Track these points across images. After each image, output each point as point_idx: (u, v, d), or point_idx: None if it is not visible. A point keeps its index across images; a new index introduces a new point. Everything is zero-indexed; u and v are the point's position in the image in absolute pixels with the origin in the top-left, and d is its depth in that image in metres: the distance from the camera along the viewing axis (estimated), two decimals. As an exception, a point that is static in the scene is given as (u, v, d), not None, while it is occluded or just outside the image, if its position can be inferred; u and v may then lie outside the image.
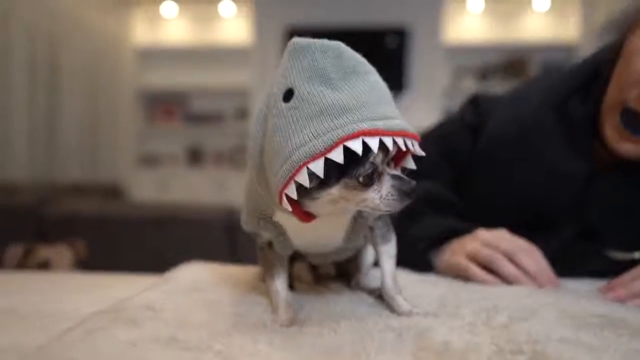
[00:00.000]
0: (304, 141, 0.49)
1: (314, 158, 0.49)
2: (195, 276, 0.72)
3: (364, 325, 0.54)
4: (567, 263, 0.81)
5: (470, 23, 5.76)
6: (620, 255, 0.79)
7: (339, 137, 0.48)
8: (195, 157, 6.05)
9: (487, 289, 0.67)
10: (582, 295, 0.68)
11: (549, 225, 0.87)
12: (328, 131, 0.49)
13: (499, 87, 4.64)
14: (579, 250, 0.84)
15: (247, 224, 0.62)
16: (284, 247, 0.61)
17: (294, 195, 0.50)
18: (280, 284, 0.62)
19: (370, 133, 0.48)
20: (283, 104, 0.52)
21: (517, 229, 0.86)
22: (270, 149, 0.52)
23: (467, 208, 0.94)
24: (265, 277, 0.63)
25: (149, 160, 6.11)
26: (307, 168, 0.49)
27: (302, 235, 0.60)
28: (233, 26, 6.10)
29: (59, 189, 3.97)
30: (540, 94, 0.91)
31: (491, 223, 0.88)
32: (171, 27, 6.23)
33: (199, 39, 6.11)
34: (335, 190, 0.52)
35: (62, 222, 2.60)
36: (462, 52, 5.52)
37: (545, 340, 0.47)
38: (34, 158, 4.52)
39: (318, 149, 0.48)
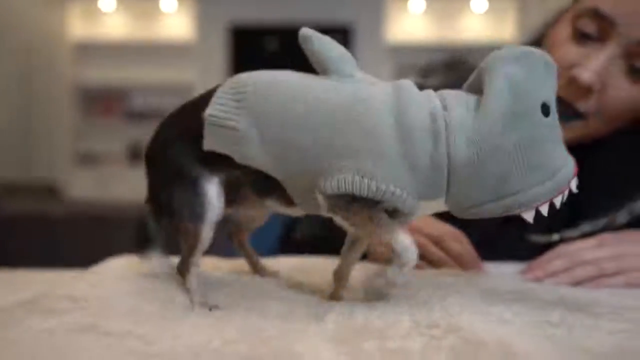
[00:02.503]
0: (561, 165, 0.51)
1: (564, 188, 0.51)
2: (121, 268, 0.70)
3: (290, 307, 0.55)
4: (490, 249, 0.84)
5: (412, 23, 5.88)
6: (540, 239, 0.82)
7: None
8: (136, 155, 5.90)
9: (412, 272, 0.69)
10: (501, 276, 0.71)
11: None
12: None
13: (440, 85, 4.76)
14: (502, 236, 0.87)
15: (378, 190, 0.50)
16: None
17: (545, 212, 0.52)
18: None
19: None
20: (544, 118, 0.50)
21: (440, 216, 0.88)
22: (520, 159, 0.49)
23: None
24: (382, 229, 0.52)
25: (87, 158, 5.92)
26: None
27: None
28: (175, 22, 5.99)
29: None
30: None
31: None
32: (110, 21, 6.06)
33: (139, 34, 5.97)
34: None
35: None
36: (404, 50, 5.63)
37: (459, 314, 0.49)
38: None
39: (567, 178, 0.51)
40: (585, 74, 0.76)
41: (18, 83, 5.06)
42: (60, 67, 5.75)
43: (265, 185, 0.56)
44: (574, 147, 0.85)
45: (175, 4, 5.94)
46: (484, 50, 0.57)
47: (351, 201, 0.51)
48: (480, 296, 0.57)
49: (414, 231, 0.79)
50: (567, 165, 0.52)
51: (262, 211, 0.65)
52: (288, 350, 0.43)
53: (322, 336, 0.46)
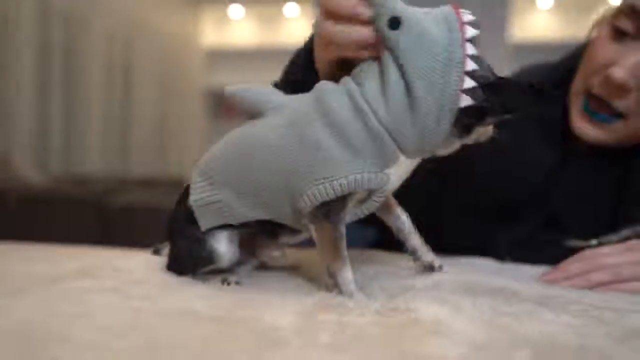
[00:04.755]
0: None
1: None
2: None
3: (291, 290, 0.62)
4: (529, 252, 0.84)
5: (539, 19, 5.61)
6: (579, 244, 0.81)
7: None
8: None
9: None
10: (509, 276, 0.71)
11: (514, 215, 0.90)
12: None
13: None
14: (541, 240, 0.87)
15: (342, 186, 0.55)
16: (374, 205, 0.61)
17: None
18: (350, 271, 0.59)
19: None
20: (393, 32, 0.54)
21: (481, 219, 0.89)
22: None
23: (434, 197, 0.98)
24: (333, 262, 0.59)
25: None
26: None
27: (393, 183, 0.59)
28: (297, 26, 6.25)
29: (129, 182, 4.24)
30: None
31: (456, 213, 0.92)
32: (238, 28, 6.47)
33: (265, 40, 6.30)
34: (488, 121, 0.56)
35: (123, 212, 2.80)
36: (530, 49, 5.38)
37: (422, 303, 0.53)
38: (107, 152, 4.85)
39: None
40: (618, 73, 0.74)
41: (155, 87, 5.58)
42: (193, 72, 6.25)
43: (270, 227, 0.64)
44: (618, 150, 0.83)
45: (298, 9, 6.20)
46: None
47: (326, 213, 0.57)
48: (458, 289, 0.59)
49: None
50: (452, 33, 0.53)
51: (282, 249, 0.72)
52: (256, 316, 0.49)
53: (292, 310, 0.52)
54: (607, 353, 0.41)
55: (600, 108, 0.80)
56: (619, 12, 0.77)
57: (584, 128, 0.83)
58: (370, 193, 0.58)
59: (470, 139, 0.58)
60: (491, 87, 0.54)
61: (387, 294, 0.60)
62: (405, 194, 0.89)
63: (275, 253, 0.71)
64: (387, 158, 0.56)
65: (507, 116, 0.56)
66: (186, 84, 6.10)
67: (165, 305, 0.52)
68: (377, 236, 1.00)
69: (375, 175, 0.55)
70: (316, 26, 0.61)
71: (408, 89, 0.53)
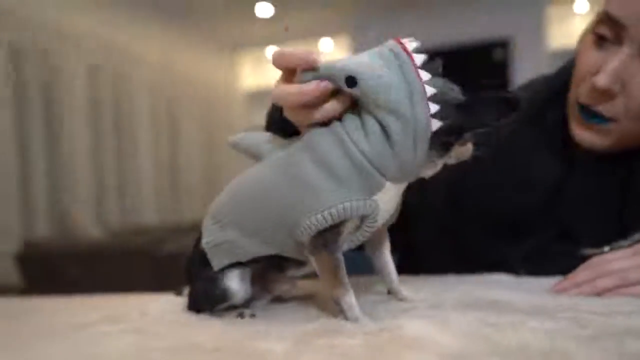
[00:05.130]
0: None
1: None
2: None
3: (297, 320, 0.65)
4: (543, 265, 0.84)
5: (577, 24, 5.52)
6: (591, 252, 0.81)
7: None
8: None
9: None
10: (519, 289, 0.72)
11: (525, 228, 0.90)
12: None
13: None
14: (555, 251, 0.87)
15: (332, 215, 0.58)
16: (367, 232, 0.63)
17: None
18: (353, 296, 0.61)
19: None
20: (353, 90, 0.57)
21: (490, 231, 0.90)
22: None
23: (444, 213, 0.99)
24: (335, 290, 0.62)
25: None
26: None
27: (383, 211, 0.62)
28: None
29: (183, 229, 4.39)
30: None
31: (467, 229, 0.94)
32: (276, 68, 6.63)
33: (302, 77, 6.43)
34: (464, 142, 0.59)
35: (173, 260, 2.90)
36: (570, 54, 5.28)
37: (411, 321, 0.55)
38: (160, 201, 5.04)
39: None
40: (601, 79, 0.75)
41: (201, 133, 5.79)
42: (236, 115, 6.45)
43: (277, 261, 0.69)
44: (624, 155, 0.83)
45: (332, 43, 6.33)
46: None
47: (323, 243, 0.61)
48: (451, 304, 0.61)
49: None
50: (403, 67, 0.56)
51: (292, 282, 0.76)
52: (254, 345, 0.53)
53: (291, 336, 0.55)
54: (572, 354, 0.42)
55: (591, 116, 0.81)
56: (599, 20, 0.79)
57: (582, 134, 0.83)
58: (362, 221, 0.61)
59: (451, 158, 0.61)
60: (460, 105, 0.57)
61: (391, 316, 0.63)
62: (418, 217, 0.91)
63: (286, 286, 0.75)
64: (372, 186, 0.59)
65: (481, 131, 0.58)
66: (230, 127, 6.29)
67: (173, 341, 0.57)
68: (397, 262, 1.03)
69: (364, 202, 0.59)
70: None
71: (383, 127, 0.57)
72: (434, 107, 0.56)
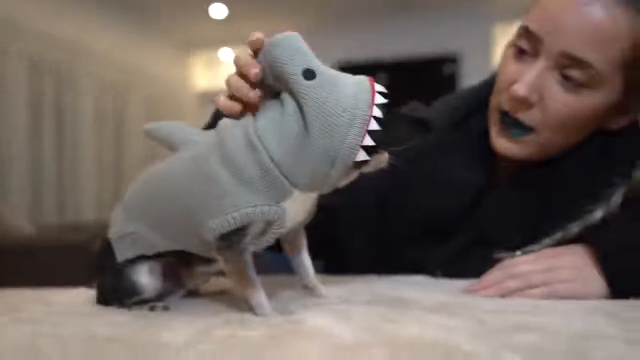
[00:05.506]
0: (356, 95, 0.56)
1: (369, 115, 0.55)
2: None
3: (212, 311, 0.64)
4: (460, 267, 0.86)
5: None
6: (504, 256, 0.83)
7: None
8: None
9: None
10: (432, 289, 0.74)
11: (445, 234, 0.92)
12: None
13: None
14: (472, 255, 0.89)
15: (235, 219, 0.57)
16: (273, 236, 0.62)
17: (369, 142, 0.55)
18: (263, 294, 0.61)
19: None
20: (312, 82, 0.56)
21: (413, 236, 0.92)
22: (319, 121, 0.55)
23: (371, 219, 1.00)
24: (244, 290, 0.62)
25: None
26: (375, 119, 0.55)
27: (292, 217, 0.62)
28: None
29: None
30: (443, 114, 0.97)
31: (388, 232, 0.95)
32: (228, 70, 6.58)
33: (255, 81, 6.42)
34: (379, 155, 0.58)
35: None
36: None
37: (316, 314, 0.55)
38: (101, 199, 4.90)
39: (366, 105, 0.55)
40: (520, 89, 0.78)
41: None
42: (186, 115, 6.35)
43: (185, 256, 0.67)
44: (536, 164, 0.86)
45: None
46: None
47: (228, 246, 0.60)
48: (358, 300, 0.62)
49: None
50: (361, 94, 0.56)
51: (203, 277, 0.75)
52: (156, 337, 0.52)
53: (194, 328, 0.54)
54: (462, 345, 0.43)
55: (512, 123, 0.83)
56: (519, 34, 0.83)
57: (501, 143, 0.86)
58: (268, 225, 0.60)
59: (367, 168, 0.60)
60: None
61: (301, 311, 0.62)
62: (346, 223, 0.91)
63: (197, 281, 0.74)
64: (280, 192, 0.58)
65: (395, 147, 0.59)
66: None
67: (67, 331, 0.55)
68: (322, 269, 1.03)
69: (269, 208, 0.58)
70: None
71: (306, 131, 0.55)
72: (368, 141, 0.55)
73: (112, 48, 5.14)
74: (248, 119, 0.60)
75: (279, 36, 0.59)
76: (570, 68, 0.76)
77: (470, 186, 0.91)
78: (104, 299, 0.69)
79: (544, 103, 0.79)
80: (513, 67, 0.83)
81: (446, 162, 0.93)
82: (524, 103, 0.80)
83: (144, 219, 0.65)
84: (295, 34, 0.59)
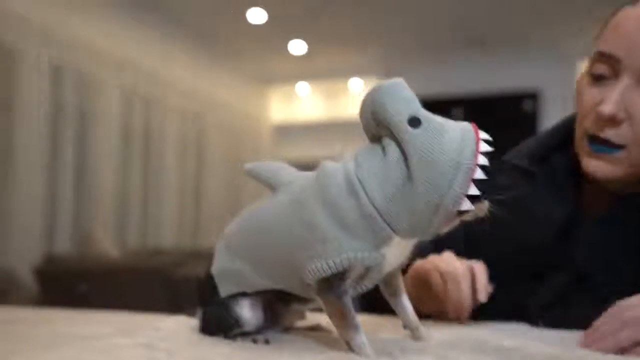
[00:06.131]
0: (460, 147, 0.55)
1: (474, 163, 0.55)
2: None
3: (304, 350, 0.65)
4: (561, 315, 0.83)
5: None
6: (611, 300, 0.79)
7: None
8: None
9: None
10: (529, 337, 0.71)
11: (540, 272, 0.89)
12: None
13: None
14: (573, 298, 0.85)
15: (336, 264, 0.58)
16: (372, 281, 0.62)
17: (475, 192, 0.55)
18: (364, 335, 0.60)
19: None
20: (413, 130, 0.56)
21: (506, 275, 0.89)
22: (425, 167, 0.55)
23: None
24: (344, 331, 0.61)
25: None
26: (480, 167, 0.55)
27: (391, 261, 0.62)
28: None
29: (200, 254, 4.40)
30: (525, 153, 0.96)
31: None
32: (305, 104, 6.75)
33: (330, 114, 6.52)
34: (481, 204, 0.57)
35: (188, 283, 2.91)
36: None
37: (416, 354, 0.54)
38: (180, 226, 5.07)
39: (470, 153, 0.55)
40: (606, 107, 0.80)
41: (227, 161, 5.86)
42: (263, 146, 6.53)
43: (284, 296, 0.68)
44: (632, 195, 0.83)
45: (362, 83, 6.41)
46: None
47: (328, 288, 0.60)
48: (457, 347, 0.60)
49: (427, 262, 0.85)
50: (466, 141, 0.55)
51: (299, 314, 0.76)
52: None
53: None
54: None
55: (601, 143, 0.83)
56: (593, 61, 0.84)
57: (593, 165, 0.84)
58: (368, 270, 0.60)
59: (468, 216, 0.59)
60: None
61: (402, 354, 0.62)
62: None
63: (293, 319, 0.75)
64: (380, 238, 0.58)
65: (498, 196, 0.58)
66: (257, 157, 6.35)
67: (184, 357, 0.57)
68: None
69: (369, 254, 0.58)
70: None
71: (409, 179, 0.55)
72: (473, 190, 0.55)
73: (194, 81, 5.39)
74: (349, 163, 0.60)
75: (385, 83, 0.59)
76: None
77: (560, 218, 0.88)
78: (208, 329, 0.72)
79: (632, 120, 0.80)
80: (594, 91, 0.84)
81: (534, 195, 0.91)
82: (612, 121, 0.80)
83: (245, 258, 0.68)
84: (401, 80, 0.60)
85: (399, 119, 0.56)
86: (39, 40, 3.79)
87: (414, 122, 0.56)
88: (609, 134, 0.82)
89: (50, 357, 0.56)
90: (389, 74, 6.00)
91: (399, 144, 0.57)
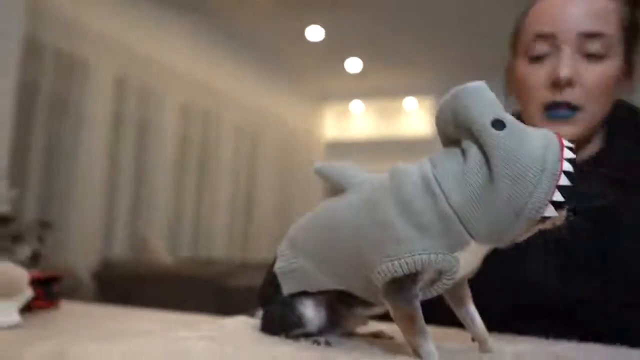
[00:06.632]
0: (543, 152, 0.53)
1: (560, 169, 0.53)
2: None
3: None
4: None
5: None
6: None
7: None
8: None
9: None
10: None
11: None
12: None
13: None
14: None
15: (408, 264, 0.56)
16: (443, 286, 0.60)
17: (559, 198, 0.53)
18: (432, 343, 0.58)
19: None
20: (502, 132, 0.54)
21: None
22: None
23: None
24: (413, 337, 0.59)
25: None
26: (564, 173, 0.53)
27: (464, 267, 0.59)
28: (415, 119, 6.41)
29: (250, 266, 4.44)
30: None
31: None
32: (358, 121, 6.77)
33: (383, 132, 6.51)
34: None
35: (237, 294, 2.94)
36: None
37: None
38: (231, 238, 5.14)
39: (555, 158, 0.53)
40: (563, 70, 0.86)
41: (279, 176, 5.93)
42: (314, 161, 6.57)
43: (347, 298, 0.67)
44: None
45: (416, 102, 6.38)
46: None
47: (398, 290, 0.58)
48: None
49: None
50: (550, 146, 0.54)
51: (363, 319, 0.74)
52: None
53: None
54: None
55: (557, 107, 0.88)
56: (529, 43, 0.92)
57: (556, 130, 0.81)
58: (440, 274, 0.58)
59: (546, 225, 0.57)
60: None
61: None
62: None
63: (355, 323, 0.74)
64: (456, 241, 0.56)
65: (583, 205, 0.55)
66: (308, 172, 6.39)
67: (251, 354, 0.57)
68: None
69: (443, 256, 0.56)
70: None
71: (491, 181, 0.54)
72: (557, 197, 0.53)
73: (251, 96, 5.49)
74: (425, 165, 0.59)
75: (468, 85, 0.58)
76: (589, 45, 0.87)
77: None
78: (270, 328, 0.71)
79: (581, 80, 0.87)
80: (537, 70, 0.90)
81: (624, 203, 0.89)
82: (570, 83, 0.86)
83: (310, 256, 0.67)
84: (483, 83, 0.59)
85: (483, 121, 0.55)
86: (106, 53, 3.96)
87: (498, 124, 0.54)
88: (569, 96, 0.87)
89: (129, 345, 0.57)
90: (444, 93, 5.92)
91: (480, 147, 0.55)
